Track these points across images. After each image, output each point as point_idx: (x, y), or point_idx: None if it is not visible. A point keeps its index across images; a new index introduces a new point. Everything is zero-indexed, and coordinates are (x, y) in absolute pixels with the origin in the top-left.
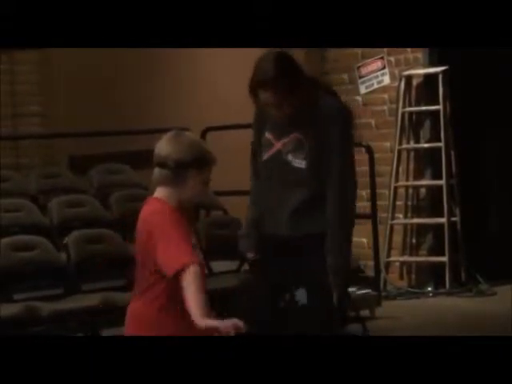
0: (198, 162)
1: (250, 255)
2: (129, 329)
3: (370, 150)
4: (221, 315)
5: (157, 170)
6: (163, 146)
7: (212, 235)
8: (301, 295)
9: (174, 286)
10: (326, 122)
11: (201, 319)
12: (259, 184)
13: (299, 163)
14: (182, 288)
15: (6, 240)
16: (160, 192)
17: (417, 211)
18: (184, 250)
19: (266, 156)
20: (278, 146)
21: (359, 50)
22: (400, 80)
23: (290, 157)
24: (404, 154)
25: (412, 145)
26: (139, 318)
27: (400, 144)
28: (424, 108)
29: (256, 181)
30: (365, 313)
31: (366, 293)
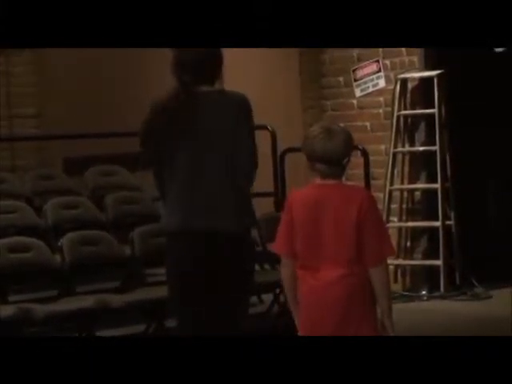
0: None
1: None
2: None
3: (365, 153)
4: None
5: (324, 167)
6: (330, 145)
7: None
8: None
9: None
10: (234, 109)
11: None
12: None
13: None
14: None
15: (0, 241)
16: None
17: (411, 214)
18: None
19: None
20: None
21: (355, 53)
22: (395, 83)
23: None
24: (399, 157)
25: (407, 148)
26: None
27: (395, 147)
28: (419, 111)
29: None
30: None
31: None
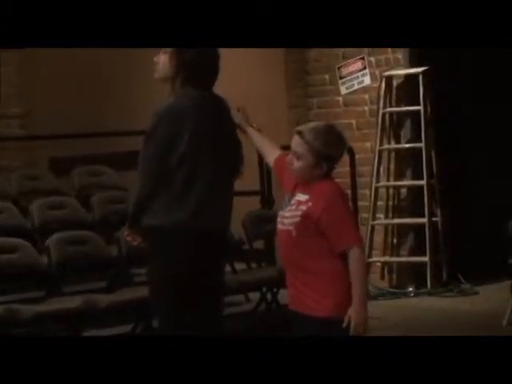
0: None
1: None
2: None
3: (351, 151)
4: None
5: (332, 166)
6: (343, 146)
7: None
8: None
9: None
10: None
11: None
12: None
13: None
14: None
15: None
16: None
17: (398, 211)
18: None
19: None
20: None
21: (340, 51)
22: (381, 80)
23: None
24: (385, 155)
25: (393, 145)
26: None
27: (381, 144)
28: (405, 108)
29: None
30: None
31: None
